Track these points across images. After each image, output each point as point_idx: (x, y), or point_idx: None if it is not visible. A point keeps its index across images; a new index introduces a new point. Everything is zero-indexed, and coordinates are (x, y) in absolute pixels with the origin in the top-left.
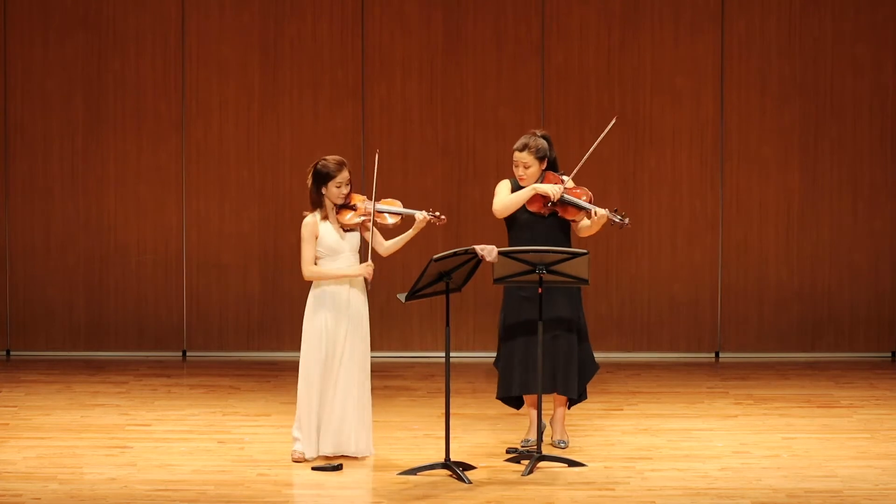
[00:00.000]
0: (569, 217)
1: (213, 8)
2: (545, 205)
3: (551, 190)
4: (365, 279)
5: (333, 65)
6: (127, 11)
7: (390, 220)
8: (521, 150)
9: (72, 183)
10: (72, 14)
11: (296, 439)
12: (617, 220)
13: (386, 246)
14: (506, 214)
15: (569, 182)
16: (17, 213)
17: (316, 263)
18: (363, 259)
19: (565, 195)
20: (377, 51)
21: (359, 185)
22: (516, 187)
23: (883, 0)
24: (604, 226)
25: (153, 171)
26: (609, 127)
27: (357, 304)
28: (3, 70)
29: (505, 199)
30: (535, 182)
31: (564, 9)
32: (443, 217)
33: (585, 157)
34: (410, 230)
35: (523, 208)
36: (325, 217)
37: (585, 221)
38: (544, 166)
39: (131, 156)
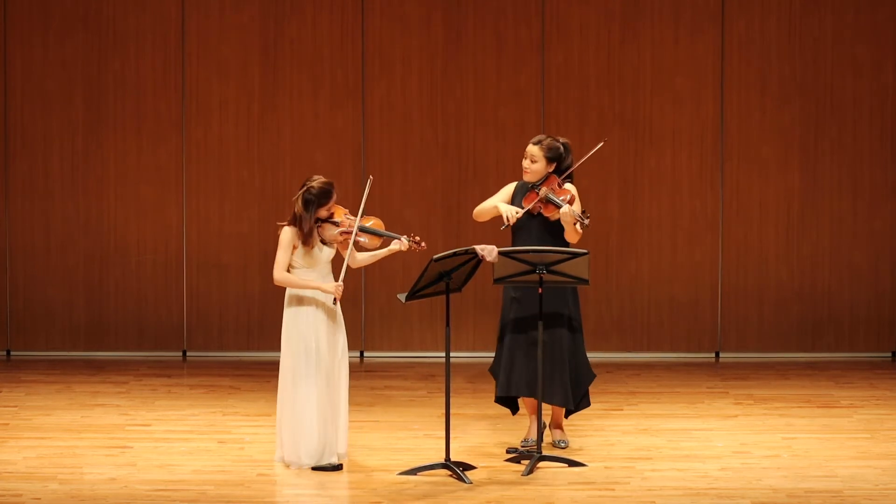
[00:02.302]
0: (547, 214)
1: (213, 8)
2: (536, 202)
3: (506, 212)
4: (334, 298)
5: (333, 65)
6: (127, 11)
7: (372, 242)
8: (536, 143)
9: (72, 183)
10: (72, 14)
11: (297, 449)
12: (577, 219)
13: (358, 260)
14: (478, 219)
15: (570, 188)
16: (17, 213)
17: (289, 271)
18: (335, 270)
19: (550, 195)
20: (377, 51)
21: (354, 193)
22: (519, 188)
23: (883, 0)
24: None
25: (153, 171)
26: (597, 147)
27: (333, 309)
28: (3, 70)
29: (481, 206)
30: (538, 180)
31: (564, 9)
32: (423, 244)
33: (575, 166)
34: (384, 250)
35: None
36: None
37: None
38: (552, 168)
39: (131, 156)
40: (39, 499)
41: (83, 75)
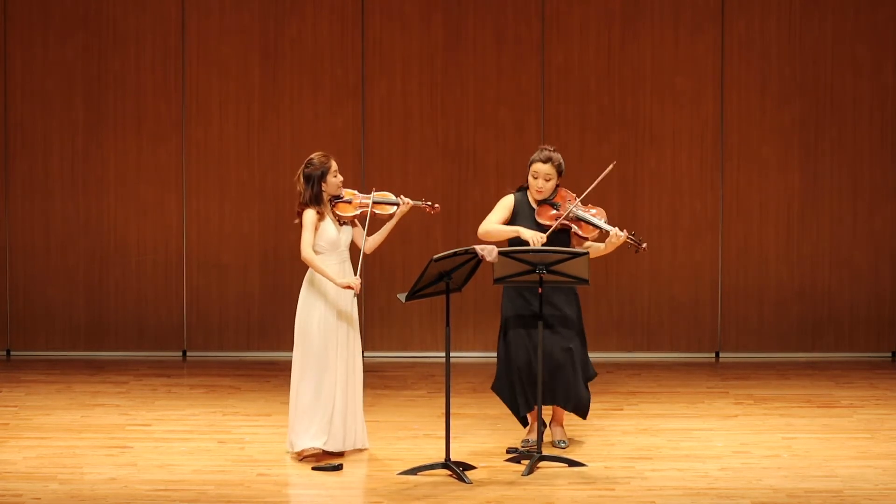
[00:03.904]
0: (583, 233)
1: (213, 8)
2: (556, 219)
3: (532, 238)
4: (354, 292)
5: (333, 64)
6: (127, 11)
7: (388, 209)
8: (545, 161)
9: (72, 183)
10: (72, 14)
11: (298, 434)
12: (633, 243)
13: (370, 243)
14: (486, 239)
15: (577, 203)
16: (17, 213)
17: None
18: (353, 257)
19: (579, 211)
20: (377, 50)
21: (357, 186)
22: (521, 202)
23: (883, 0)
24: (618, 248)
25: (153, 171)
26: (608, 170)
27: (348, 299)
28: (3, 70)
29: (492, 227)
30: (549, 196)
31: (564, 9)
32: (436, 206)
33: (591, 187)
34: (391, 220)
35: (532, 220)
36: (324, 215)
37: (597, 245)
38: (559, 181)
39: (131, 156)
40: (39, 499)
41: (83, 75)
